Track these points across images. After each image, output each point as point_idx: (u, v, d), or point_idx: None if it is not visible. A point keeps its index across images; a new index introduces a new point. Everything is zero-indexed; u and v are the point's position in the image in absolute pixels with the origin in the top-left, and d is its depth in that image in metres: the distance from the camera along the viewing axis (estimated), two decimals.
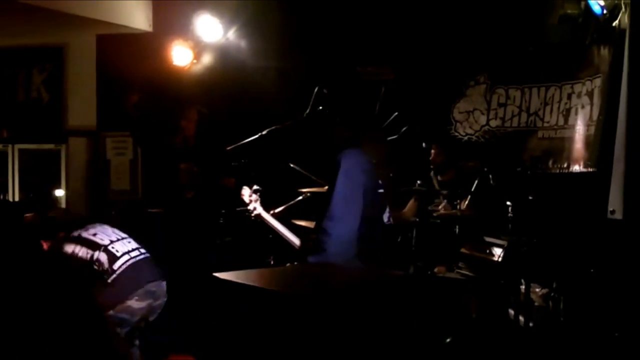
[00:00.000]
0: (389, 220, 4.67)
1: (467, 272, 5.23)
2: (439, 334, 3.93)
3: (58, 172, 8.08)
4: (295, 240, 5.48)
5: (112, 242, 4.61)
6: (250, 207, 5.46)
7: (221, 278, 3.69)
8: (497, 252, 5.14)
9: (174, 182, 5.98)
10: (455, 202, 5.66)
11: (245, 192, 5.49)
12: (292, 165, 6.19)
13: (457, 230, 5.60)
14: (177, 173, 5.99)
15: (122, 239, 4.72)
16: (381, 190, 4.58)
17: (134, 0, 7.45)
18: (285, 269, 4.90)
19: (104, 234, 4.67)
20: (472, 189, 5.63)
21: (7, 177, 8.18)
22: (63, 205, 8.02)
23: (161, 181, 6.02)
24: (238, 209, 6.60)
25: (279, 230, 5.56)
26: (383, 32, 6.80)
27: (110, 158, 7.84)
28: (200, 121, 6.22)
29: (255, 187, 5.58)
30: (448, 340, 4.31)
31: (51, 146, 8.07)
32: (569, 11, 5.96)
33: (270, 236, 6.17)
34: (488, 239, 5.29)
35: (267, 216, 5.38)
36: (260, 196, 5.55)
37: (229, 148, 6.19)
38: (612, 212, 4.57)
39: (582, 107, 5.91)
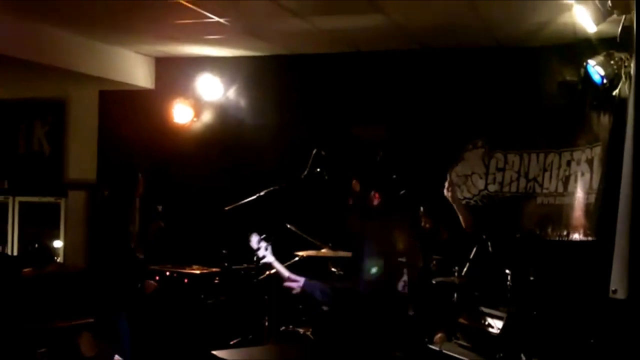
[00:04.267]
0: (403, 288, 4.58)
1: (464, 343, 5.15)
2: None
3: (57, 224, 8.05)
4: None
5: None
6: (260, 253, 5.25)
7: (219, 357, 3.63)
8: (496, 324, 5.08)
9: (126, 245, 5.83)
10: (453, 269, 5.60)
11: (254, 238, 5.31)
12: (288, 226, 6.17)
13: (455, 297, 5.55)
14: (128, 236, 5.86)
15: None
16: (402, 259, 4.50)
17: (137, 58, 7.50)
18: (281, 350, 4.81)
19: None
20: (471, 256, 5.59)
21: (6, 228, 8.16)
22: (61, 256, 8.00)
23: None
24: (234, 267, 6.58)
25: None
26: (380, 94, 6.88)
27: None
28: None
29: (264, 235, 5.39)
30: None
31: (51, 199, 8.06)
32: (567, 78, 5.98)
33: (266, 297, 6.12)
34: (486, 310, 5.23)
35: (279, 266, 5.15)
36: (271, 244, 5.36)
37: (227, 208, 6.18)
38: (614, 291, 4.45)
39: (582, 174, 5.89)
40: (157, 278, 6.90)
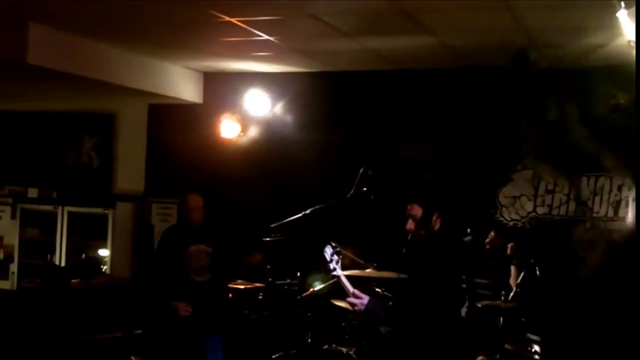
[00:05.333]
0: (466, 314, 4.52)
1: None
2: None
3: (105, 235, 8.15)
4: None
5: None
6: (331, 266, 5.30)
7: None
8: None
9: (182, 267, 5.98)
10: (500, 293, 5.52)
11: (328, 250, 5.34)
12: (333, 244, 6.14)
13: (500, 322, 5.47)
14: (184, 257, 6.01)
15: None
16: (464, 286, 4.44)
17: (186, 73, 7.58)
18: None
19: None
20: (519, 281, 5.50)
21: (55, 237, 8.29)
22: (107, 266, 8.10)
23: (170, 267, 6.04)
24: (277, 282, 6.58)
25: None
26: (428, 113, 6.82)
27: (154, 224, 7.90)
28: (205, 205, 6.28)
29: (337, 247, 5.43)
30: None
31: (99, 210, 8.17)
32: (621, 101, 5.88)
33: (309, 314, 6.12)
34: (532, 337, 5.16)
35: (346, 281, 5.16)
36: (341, 258, 5.39)
37: (272, 225, 6.20)
38: None
39: (634, 200, 5.77)
40: None
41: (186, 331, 5.89)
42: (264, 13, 5.15)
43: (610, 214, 6.08)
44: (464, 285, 4.43)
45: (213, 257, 6.14)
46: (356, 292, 4.67)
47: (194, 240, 6.10)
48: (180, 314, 5.83)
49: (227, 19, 5.28)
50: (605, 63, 5.94)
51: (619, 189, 6.01)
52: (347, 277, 5.76)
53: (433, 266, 4.36)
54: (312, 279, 6.20)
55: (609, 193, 6.11)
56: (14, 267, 8.60)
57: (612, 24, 4.79)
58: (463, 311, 4.47)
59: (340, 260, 5.18)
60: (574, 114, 6.24)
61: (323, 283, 6.18)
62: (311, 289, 6.17)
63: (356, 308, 4.55)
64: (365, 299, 4.54)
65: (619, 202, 6.01)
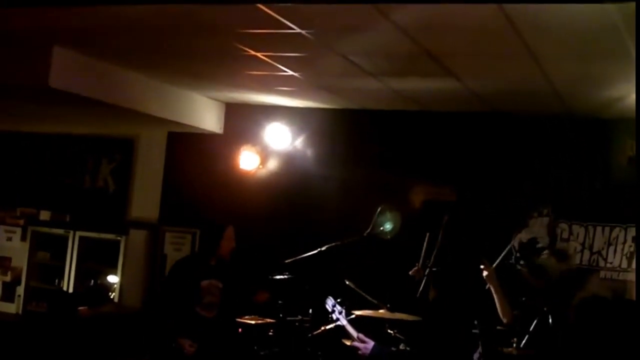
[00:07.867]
0: (479, 359, 4.50)
1: None
2: None
3: (115, 262, 8.07)
4: None
5: None
6: (333, 316, 5.28)
7: None
8: None
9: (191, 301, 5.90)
10: (511, 340, 5.49)
11: (329, 302, 5.35)
12: (347, 283, 6.13)
13: None
14: (199, 291, 5.92)
15: None
16: (475, 331, 4.42)
17: (208, 103, 7.62)
18: None
19: None
20: (531, 329, 5.48)
21: (64, 262, 8.22)
22: (116, 293, 8.04)
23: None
24: (288, 318, 6.55)
25: None
26: (448, 155, 6.86)
27: (167, 252, 7.88)
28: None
29: (339, 299, 5.42)
30: None
31: (112, 236, 8.11)
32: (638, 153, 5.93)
33: (320, 352, 6.08)
34: None
35: (350, 328, 5.12)
36: (345, 309, 5.36)
37: (287, 261, 6.19)
38: None
39: None
40: None
41: None
42: (290, 49, 5.21)
43: (624, 265, 6.10)
44: (476, 331, 4.42)
45: (224, 293, 6.05)
46: (361, 336, 4.65)
47: (207, 275, 5.97)
48: (186, 350, 5.74)
49: (253, 53, 5.34)
50: (623, 116, 5.99)
51: (634, 240, 6.03)
52: (357, 318, 5.77)
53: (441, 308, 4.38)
54: (383, 219, 6.11)
55: (623, 244, 6.14)
56: (20, 290, 8.49)
57: (630, 78, 4.89)
58: (475, 356, 4.44)
59: (343, 311, 5.18)
60: (591, 164, 6.29)
61: (393, 224, 6.11)
62: (381, 229, 6.16)
63: (360, 352, 4.54)
64: (370, 344, 4.52)
65: (632, 254, 6.02)
